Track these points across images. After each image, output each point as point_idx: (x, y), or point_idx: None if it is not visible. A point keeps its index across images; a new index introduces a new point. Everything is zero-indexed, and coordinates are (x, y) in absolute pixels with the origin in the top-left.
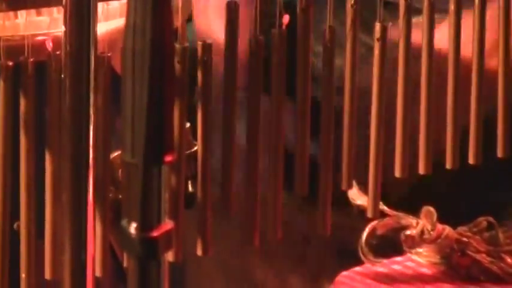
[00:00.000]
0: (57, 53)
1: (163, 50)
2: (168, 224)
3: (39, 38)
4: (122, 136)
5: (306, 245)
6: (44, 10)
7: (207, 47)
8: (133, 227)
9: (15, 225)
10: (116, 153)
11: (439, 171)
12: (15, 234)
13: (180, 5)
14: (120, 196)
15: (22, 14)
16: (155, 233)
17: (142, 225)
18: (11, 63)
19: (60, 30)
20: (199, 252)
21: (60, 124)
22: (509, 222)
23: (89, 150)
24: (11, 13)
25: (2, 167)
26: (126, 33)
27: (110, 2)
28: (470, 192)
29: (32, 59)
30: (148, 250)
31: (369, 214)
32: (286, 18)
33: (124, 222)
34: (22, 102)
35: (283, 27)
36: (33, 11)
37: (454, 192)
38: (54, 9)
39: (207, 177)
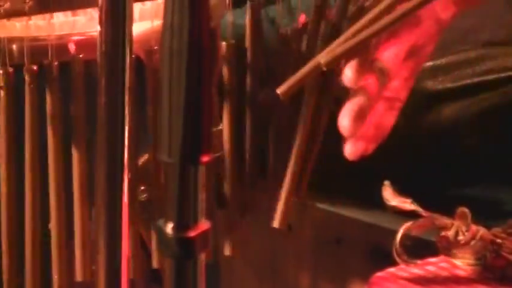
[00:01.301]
0: (80, 55)
1: (201, 50)
2: (204, 224)
3: (74, 38)
4: (158, 135)
5: (337, 245)
6: (80, 10)
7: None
8: (169, 227)
9: (49, 226)
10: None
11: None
12: (48, 236)
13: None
14: (154, 196)
15: (58, 14)
16: (192, 233)
17: (178, 225)
18: (35, 67)
19: (95, 30)
20: (226, 252)
21: (87, 125)
22: None
23: (124, 150)
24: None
25: (31, 169)
26: (163, 33)
27: (145, 2)
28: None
29: (56, 63)
30: (185, 250)
31: None
32: (302, 18)
33: (160, 222)
34: (48, 104)
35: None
36: (69, 11)
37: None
38: (90, 10)
39: (236, 178)
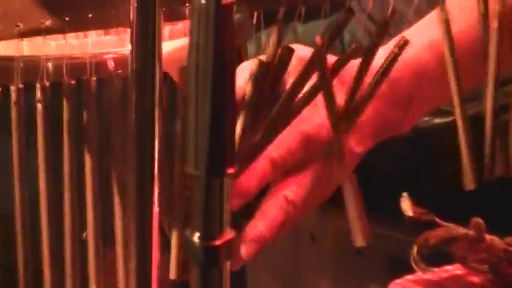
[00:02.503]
0: (119, 71)
1: (225, 67)
2: (229, 234)
3: (106, 56)
4: (185, 149)
5: (357, 255)
6: (112, 29)
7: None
8: (196, 236)
9: (83, 235)
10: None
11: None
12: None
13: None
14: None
15: (91, 33)
16: (217, 242)
17: (205, 234)
18: (73, 82)
19: (126, 48)
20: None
21: (123, 138)
22: None
23: (154, 163)
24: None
25: (69, 181)
26: (189, 51)
27: (176, 23)
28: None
29: (94, 78)
30: (211, 258)
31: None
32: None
33: (187, 231)
34: (85, 118)
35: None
36: (101, 31)
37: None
38: (121, 29)
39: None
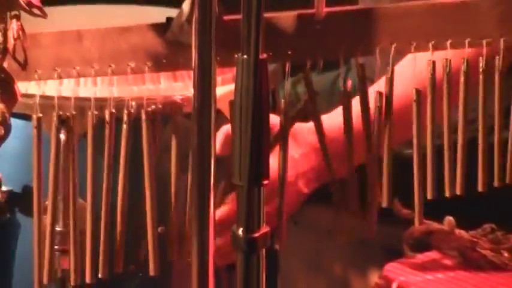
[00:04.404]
0: (188, 110)
1: (261, 105)
2: (265, 228)
3: (176, 97)
4: (232, 165)
5: (362, 245)
6: (179, 77)
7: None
8: (240, 230)
9: (159, 229)
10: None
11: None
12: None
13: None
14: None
15: (164, 80)
16: (256, 235)
17: (246, 229)
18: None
19: (190, 92)
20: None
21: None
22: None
23: (210, 177)
24: (155, 79)
25: (149, 187)
26: (235, 94)
27: (226, 73)
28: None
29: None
30: (251, 247)
31: (416, 223)
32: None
33: (234, 227)
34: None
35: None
36: (171, 78)
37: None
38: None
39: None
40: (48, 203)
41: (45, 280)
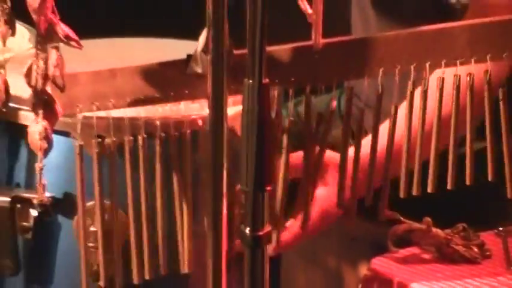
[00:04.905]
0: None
1: (264, 123)
2: (268, 227)
3: (193, 116)
4: (240, 174)
5: (353, 242)
6: (196, 100)
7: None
8: (247, 229)
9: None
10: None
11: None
12: None
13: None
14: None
15: (182, 102)
16: (260, 233)
17: (252, 228)
18: (176, 133)
19: (206, 112)
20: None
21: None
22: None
23: (223, 185)
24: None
25: (179, 199)
26: (243, 112)
27: (236, 96)
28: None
29: (188, 130)
30: (256, 243)
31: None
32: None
33: (242, 227)
34: (183, 155)
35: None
36: (189, 101)
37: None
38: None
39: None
40: (88, 206)
41: (89, 277)
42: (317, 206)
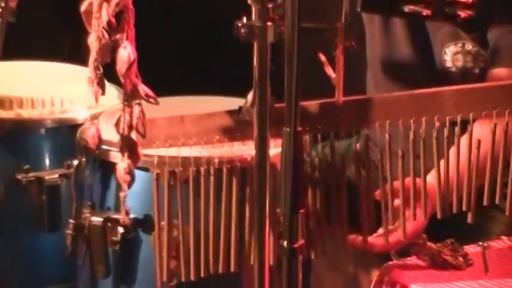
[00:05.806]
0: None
1: (298, 162)
2: (301, 241)
3: (245, 155)
4: (279, 200)
5: (367, 254)
6: (246, 142)
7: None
8: (285, 243)
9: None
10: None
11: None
12: None
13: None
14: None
15: (236, 144)
16: (295, 245)
17: (289, 242)
18: (238, 166)
19: (252, 152)
20: (313, 256)
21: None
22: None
23: (266, 207)
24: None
25: (227, 218)
26: (281, 153)
27: (276, 140)
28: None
29: (239, 165)
30: (292, 254)
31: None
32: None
33: (281, 240)
34: (233, 186)
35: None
36: (241, 143)
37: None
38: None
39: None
40: (164, 225)
41: (164, 278)
42: (412, 223)
